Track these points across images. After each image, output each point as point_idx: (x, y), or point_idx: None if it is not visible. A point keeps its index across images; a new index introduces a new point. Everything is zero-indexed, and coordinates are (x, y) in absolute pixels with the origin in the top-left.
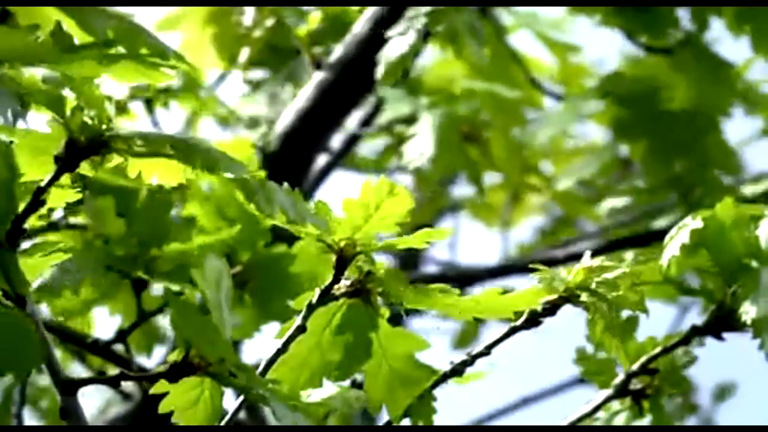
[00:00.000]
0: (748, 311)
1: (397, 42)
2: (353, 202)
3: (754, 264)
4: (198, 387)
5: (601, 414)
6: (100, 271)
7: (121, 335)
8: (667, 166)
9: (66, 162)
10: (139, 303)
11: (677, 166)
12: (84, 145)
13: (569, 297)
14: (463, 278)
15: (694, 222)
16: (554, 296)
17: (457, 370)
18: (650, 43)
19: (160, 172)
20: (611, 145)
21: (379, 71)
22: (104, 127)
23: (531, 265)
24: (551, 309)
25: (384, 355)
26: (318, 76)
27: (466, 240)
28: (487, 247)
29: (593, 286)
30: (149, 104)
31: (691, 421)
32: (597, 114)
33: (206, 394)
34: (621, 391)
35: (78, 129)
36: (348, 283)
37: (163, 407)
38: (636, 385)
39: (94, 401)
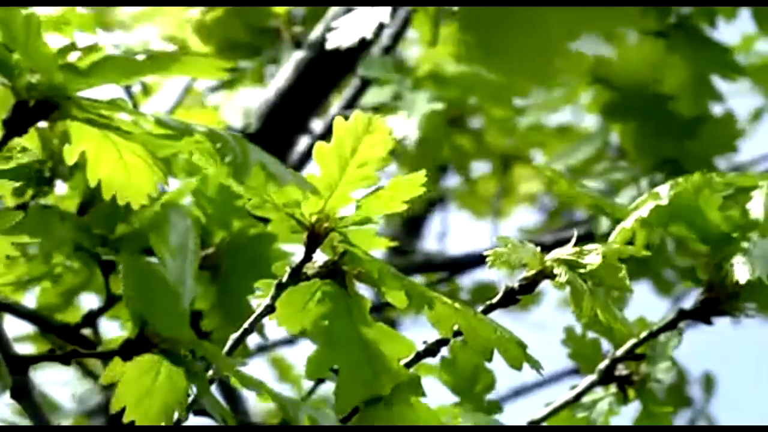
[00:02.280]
0: (740, 273)
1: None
2: (327, 149)
3: (743, 240)
4: (155, 366)
5: (585, 400)
6: (65, 250)
7: (90, 318)
8: (658, 149)
9: (13, 126)
10: (107, 285)
11: (668, 149)
12: (33, 108)
13: (547, 273)
14: (449, 266)
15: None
16: (532, 272)
17: (432, 350)
18: (642, 27)
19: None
20: (603, 132)
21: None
22: (55, 88)
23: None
24: (528, 286)
25: (366, 355)
26: (297, 56)
27: (456, 232)
28: (477, 239)
29: (571, 259)
30: (128, 90)
31: (685, 414)
32: (588, 102)
33: (163, 374)
34: (605, 377)
35: (25, 90)
36: (321, 262)
37: (118, 394)
38: (622, 371)
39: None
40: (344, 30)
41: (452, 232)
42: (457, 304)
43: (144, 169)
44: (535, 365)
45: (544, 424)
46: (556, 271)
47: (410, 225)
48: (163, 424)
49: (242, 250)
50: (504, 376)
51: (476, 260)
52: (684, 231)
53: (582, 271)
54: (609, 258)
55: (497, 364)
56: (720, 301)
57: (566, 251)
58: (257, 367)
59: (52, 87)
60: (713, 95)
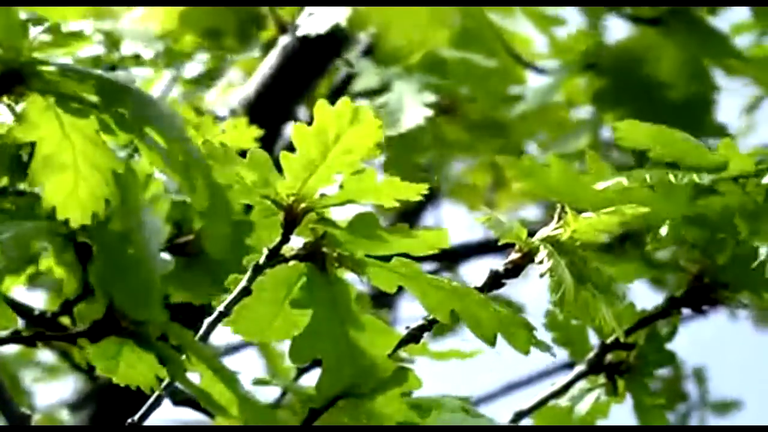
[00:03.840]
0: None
1: None
2: (307, 131)
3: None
4: (123, 349)
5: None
6: (43, 236)
7: (67, 306)
8: None
9: None
10: (84, 271)
11: None
12: None
13: (534, 256)
14: (442, 256)
15: None
16: (518, 255)
17: (414, 336)
18: (636, 14)
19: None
20: (595, 121)
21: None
22: (19, 59)
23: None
24: (514, 270)
25: (349, 345)
26: (283, 41)
27: (451, 224)
28: (472, 232)
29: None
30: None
31: (680, 409)
32: (580, 91)
33: (132, 357)
34: (596, 367)
35: None
36: (300, 244)
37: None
38: (611, 360)
39: None
40: (317, 17)
41: (447, 225)
42: (455, 283)
43: (94, 182)
44: (545, 348)
45: (531, 418)
46: (540, 255)
47: (404, 219)
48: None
49: None
50: (499, 371)
51: (471, 250)
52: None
53: (568, 250)
54: (595, 226)
55: (492, 361)
56: (711, 289)
57: (550, 229)
58: (246, 356)
59: (15, 59)
60: (707, 82)
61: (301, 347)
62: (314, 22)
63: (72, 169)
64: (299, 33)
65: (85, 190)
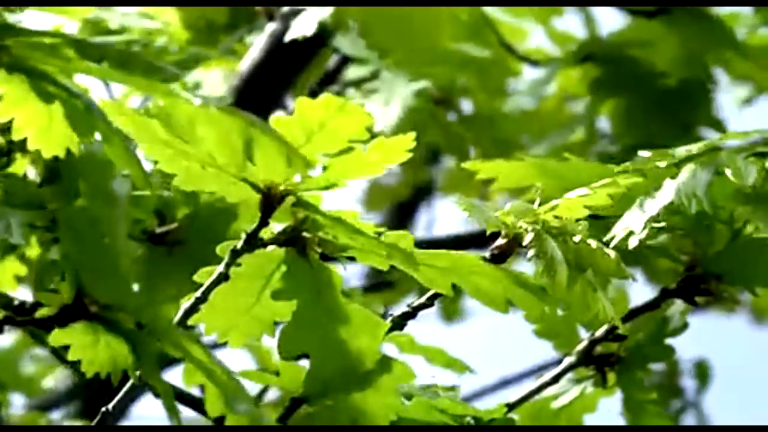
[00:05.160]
0: None
1: None
2: (288, 121)
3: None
4: (92, 335)
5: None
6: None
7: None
8: (646, 126)
9: None
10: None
11: (655, 126)
12: None
13: (520, 240)
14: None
15: None
16: (504, 241)
17: (398, 324)
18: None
19: None
20: (591, 112)
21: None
22: None
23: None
24: (500, 256)
25: (336, 336)
26: (270, 28)
27: (446, 220)
28: (466, 225)
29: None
30: None
31: (675, 405)
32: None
33: (102, 343)
34: (586, 359)
35: None
36: (280, 228)
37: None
38: (601, 352)
39: None
40: (305, 18)
41: (442, 220)
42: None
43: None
44: (554, 305)
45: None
46: (527, 237)
47: (400, 213)
48: None
49: (206, 226)
50: (493, 366)
51: (465, 243)
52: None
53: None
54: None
55: (488, 357)
56: (703, 279)
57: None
58: (235, 355)
59: None
60: (705, 72)
61: (289, 340)
62: (302, 23)
63: (47, 112)
64: (288, 38)
65: (59, 126)
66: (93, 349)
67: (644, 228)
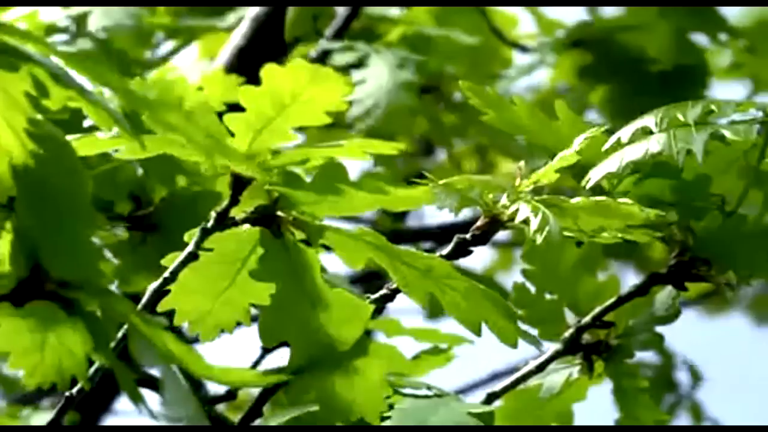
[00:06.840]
0: None
1: None
2: (256, 92)
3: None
4: (39, 333)
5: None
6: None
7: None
8: (636, 113)
9: None
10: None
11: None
12: None
13: (501, 220)
14: (417, 237)
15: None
16: (485, 221)
17: (378, 307)
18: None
19: None
20: (581, 102)
21: None
22: None
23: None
24: (481, 236)
25: (315, 321)
26: (253, 12)
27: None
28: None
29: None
30: None
31: (668, 399)
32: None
33: (49, 345)
34: (572, 346)
35: None
36: (252, 207)
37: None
38: (588, 340)
39: None
40: None
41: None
42: (432, 259)
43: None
44: (533, 341)
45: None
46: (522, 212)
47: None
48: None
49: (183, 210)
50: (482, 360)
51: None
52: (655, 190)
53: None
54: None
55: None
56: (692, 264)
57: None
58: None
59: None
60: (697, 57)
61: (270, 327)
62: None
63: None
64: None
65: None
66: (37, 354)
67: (622, 169)
